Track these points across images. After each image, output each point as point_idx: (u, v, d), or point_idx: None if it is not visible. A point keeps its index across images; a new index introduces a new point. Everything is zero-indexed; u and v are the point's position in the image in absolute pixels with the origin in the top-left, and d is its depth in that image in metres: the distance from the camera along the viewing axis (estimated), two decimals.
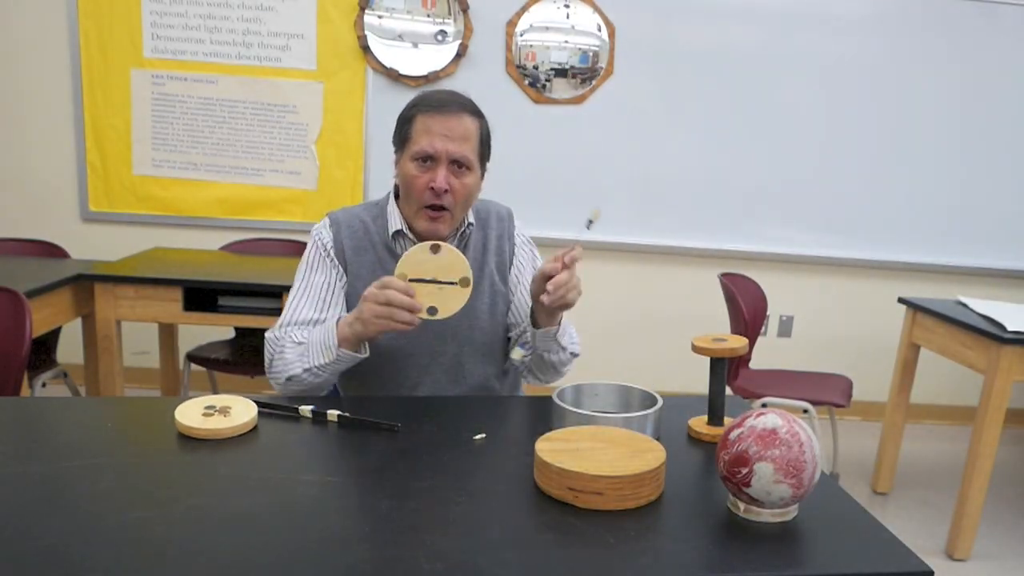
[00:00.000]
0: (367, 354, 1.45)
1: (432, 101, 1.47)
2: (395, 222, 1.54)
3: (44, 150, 3.46)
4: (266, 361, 1.52)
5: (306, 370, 1.44)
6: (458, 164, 1.46)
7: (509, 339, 1.65)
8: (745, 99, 3.55)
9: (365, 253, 1.55)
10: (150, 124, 3.43)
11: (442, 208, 1.47)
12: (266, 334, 1.54)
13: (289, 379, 1.47)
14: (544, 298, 1.37)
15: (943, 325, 2.76)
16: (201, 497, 0.99)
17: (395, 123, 1.52)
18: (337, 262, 1.55)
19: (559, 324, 1.51)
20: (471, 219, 1.59)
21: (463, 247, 1.58)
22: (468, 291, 1.35)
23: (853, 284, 3.80)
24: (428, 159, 1.45)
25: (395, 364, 1.55)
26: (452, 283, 1.34)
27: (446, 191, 1.45)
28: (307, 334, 1.49)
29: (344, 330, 1.41)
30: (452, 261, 1.36)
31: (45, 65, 3.38)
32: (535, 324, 1.51)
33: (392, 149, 1.55)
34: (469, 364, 1.59)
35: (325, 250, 1.55)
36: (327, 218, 1.59)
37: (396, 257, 1.53)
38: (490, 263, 1.61)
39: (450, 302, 1.34)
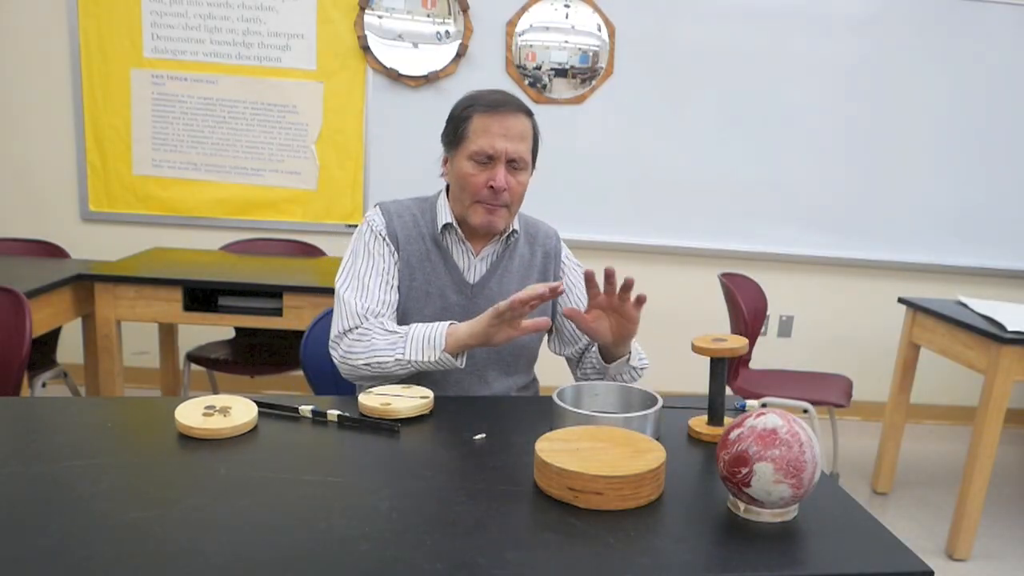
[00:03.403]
0: (463, 365, 1.45)
1: (488, 101, 1.48)
2: (444, 216, 1.56)
3: (44, 150, 3.46)
4: (347, 343, 1.48)
5: (397, 360, 1.44)
6: (514, 163, 1.49)
7: (580, 353, 1.66)
8: (745, 99, 3.55)
9: (414, 242, 1.57)
10: (150, 124, 3.43)
11: (498, 204, 1.50)
12: (341, 325, 1.50)
13: (369, 364, 1.45)
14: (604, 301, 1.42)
15: (943, 325, 2.76)
16: (201, 497, 0.99)
17: (447, 121, 1.53)
18: (391, 243, 1.56)
19: (630, 351, 1.53)
20: (516, 226, 1.60)
21: (508, 255, 1.60)
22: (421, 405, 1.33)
23: (853, 284, 3.80)
24: (487, 158, 1.47)
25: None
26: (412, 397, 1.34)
27: (504, 190, 1.48)
28: (397, 325, 1.49)
29: (461, 336, 1.41)
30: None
31: (45, 65, 3.38)
32: (605, 359, 1.54)
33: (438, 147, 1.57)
34: (492, 375, 1.59)
35: (380, 234, 1.55)
36: (378, 207, 1.60)
37: (442, 251, 1.56)
38: (532, 280, 1.62)
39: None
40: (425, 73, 3.43)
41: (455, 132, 1.51)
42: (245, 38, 3.39)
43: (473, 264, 1.58)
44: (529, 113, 1.52)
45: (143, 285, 2.59)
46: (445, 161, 1.57)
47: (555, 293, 1.32)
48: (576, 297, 1.67)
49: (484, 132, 1.46)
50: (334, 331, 1.52)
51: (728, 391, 1.69)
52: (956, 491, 2.95)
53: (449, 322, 1.46)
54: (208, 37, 3.37)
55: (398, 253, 1.56)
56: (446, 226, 1.55)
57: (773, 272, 3.71)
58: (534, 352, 1.67)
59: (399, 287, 1.56)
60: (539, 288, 1.32)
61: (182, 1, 3.33)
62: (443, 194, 1.60)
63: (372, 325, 1.49)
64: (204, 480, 1.04)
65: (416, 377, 1.50)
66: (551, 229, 1.70)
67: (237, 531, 0.91)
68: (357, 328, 1.49)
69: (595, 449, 1.07)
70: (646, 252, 3.69)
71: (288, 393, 3.49)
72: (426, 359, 1.42)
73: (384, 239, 1.55)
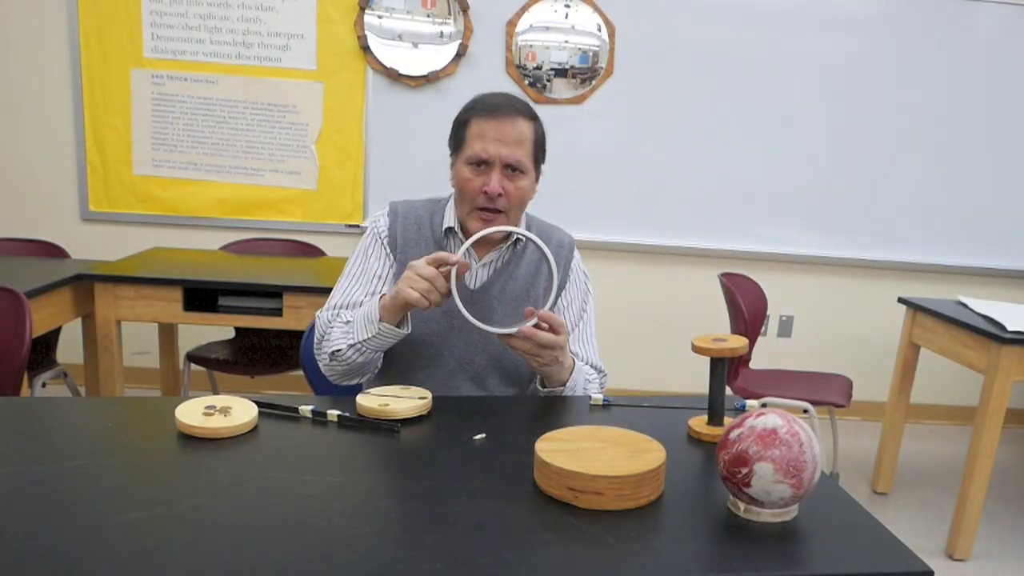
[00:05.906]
0: (408, 330, 1.46)
1: (487, 105, 1.49)
2: (449, 219, 1.56)
3: (44, 150, 3.46)
4: (315, 340, 1.55)
5: (350, 346, 1.47)
6: (512, 168, 1.47)
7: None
8: (745, 99, 3.55)
9: (416, 246, 1.56)
10: (150, 124, 3.43)
11: (496, 211, 1.49)
12: (317, 313, 1.58)
13: (333, 355, 1.48)
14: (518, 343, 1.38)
15: (943, 325, 2.76)
16: (201, 497, 0.99)
17: (451, 126, 1.53)
18: (389, 251, 1.58)
19: (564, 385, 1.48)
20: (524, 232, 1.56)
21: (515, 261, 1.57)
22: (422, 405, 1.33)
23: (853, 284, 3.80)
24: (482, 163, 1.47)
25: (421, 362, 1.55)
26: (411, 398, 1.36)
27: (500, 195, 1.46)
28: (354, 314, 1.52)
29: (385, 300, 1.43)
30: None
31: (45, 65, 3.38)
32: (542, 384, 1.51)
33: (448, 152, 1.56)
34: (493, 381, 1.58)
35: (380, 238, 1.58)
36: (388, 207, 1.62)
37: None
38: (538, 287, 1.59)
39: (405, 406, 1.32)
40: (425, 73, 3.42)
41: (455, 137, 1.52)
42: (245, 38, 3.39)
43: (475, 269, 1.57)
44: (531, 116, 1.51)
45: (143, 285, 2.59)
46: (452, 166, 1.56)
47: (450, 263, 1.35)
48: (570, 313, 1.62)
49: (479, 137, 1.46)
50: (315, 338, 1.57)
51: (728, 391, 1.69)
52: (956, 491, 2.95)
53: (381, 295, 1.47)
54: (208, 37, 3.37)
55: (395, 256, 1.57)
56: (448, 230, 1.55)
57: (773, 272, 3.71)
58: None
59: None
60: (451, 257, 1.36)
61: (182, 1, 3.33)
62: (453, 197, 1.59)
63: (334, 320, 1.52)
64: (204, 480, 1.04)
65: (418, 381, 1.50)
66: (566, 237, 1.66)
67: (237, 531, 0.91)
68: (327, 322, 1.53)
69: (595, 449, 1.07)
70: (646, 252, 3.69)
71: (288, 393, 3.49)
72: (368, 336, 1.44)
73: (383, 243, 1.58)
